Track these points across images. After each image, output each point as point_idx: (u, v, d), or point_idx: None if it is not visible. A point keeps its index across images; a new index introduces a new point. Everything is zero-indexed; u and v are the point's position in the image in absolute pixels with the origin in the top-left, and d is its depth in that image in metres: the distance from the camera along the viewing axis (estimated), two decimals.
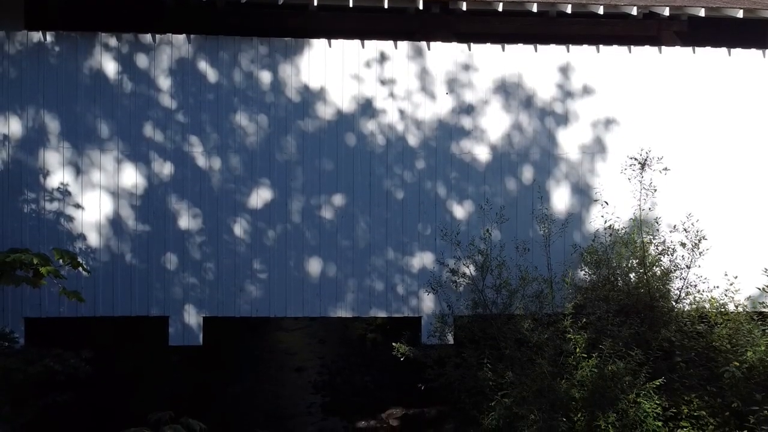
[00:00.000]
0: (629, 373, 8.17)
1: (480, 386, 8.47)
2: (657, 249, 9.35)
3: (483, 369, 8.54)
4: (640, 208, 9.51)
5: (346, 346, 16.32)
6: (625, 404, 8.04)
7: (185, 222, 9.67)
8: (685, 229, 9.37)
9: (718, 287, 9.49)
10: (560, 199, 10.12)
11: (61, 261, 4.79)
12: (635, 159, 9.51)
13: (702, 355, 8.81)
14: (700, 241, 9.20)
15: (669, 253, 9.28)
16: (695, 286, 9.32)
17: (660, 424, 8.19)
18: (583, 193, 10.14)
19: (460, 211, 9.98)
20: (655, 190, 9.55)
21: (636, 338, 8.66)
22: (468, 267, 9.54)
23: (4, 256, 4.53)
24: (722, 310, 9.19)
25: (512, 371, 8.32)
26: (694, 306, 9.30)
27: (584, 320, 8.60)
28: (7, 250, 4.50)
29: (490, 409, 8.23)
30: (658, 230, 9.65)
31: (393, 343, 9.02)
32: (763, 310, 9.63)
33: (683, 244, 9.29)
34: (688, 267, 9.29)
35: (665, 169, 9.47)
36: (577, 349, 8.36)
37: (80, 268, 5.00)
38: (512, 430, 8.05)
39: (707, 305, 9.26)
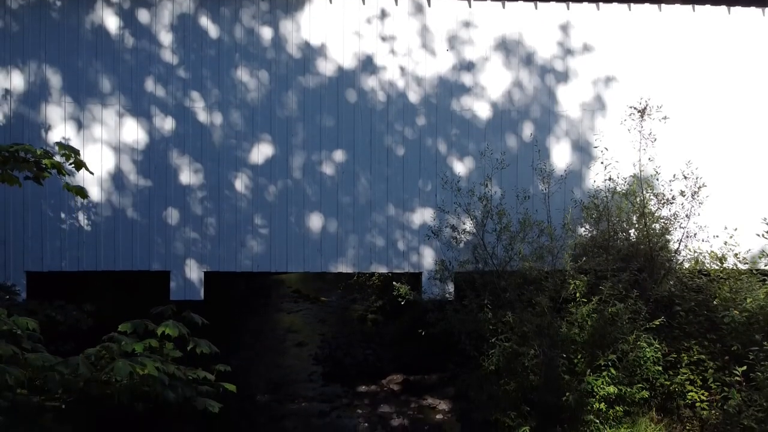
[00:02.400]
0: (628, 314, 8.17)
1: (480, 329, 8.47)
2: (657, 200, 9.34)
3: (483, 311, 8.54)
4: (639, 161, 9.51)
5: (347, 325, 16.34)
6: (625, 345, 8.04)
7: (186, 177, 9.69)
8: (684, 176, 9.37)
9: (717, 237, 9.49)
10: (560, 156, 10.13)
11: (63, 158, 4.79)
12: (634, 108, 9.53)
13: (702, 305, 8.81)
14: (699, 188, 9.18)
15: (669, 202, 9.27)
16: (695, 235, 9.33)
17: (660, 369, 8.19)
18: (583, 151, 10.16)
19: (460, 167, 9.99)
20: (655, 140, 9.54)
21: (636, 285, 8.66)
22: (469, 218, 9.53)
23: (8, 147, 4.56)
24: (722, 264, 9.18)
25: (512, 313, 8.31)
26: (693, 258, 9.31)
27: (584, 259, 8.60)
28: (9, 143, 4.53)
29: (491, 347, 8.22)
30: (657, 180, 9.65)
31: (394, 283, 9.01)
32: (763, 268, 9.62)
33: (683, 193, 9.28)
34: (688, 216, 9.29)
35: (665, 117, 9.48)
36: (578, 294, 8.36)
37: (84, 168, 5.01)
38: (512, 370, 8.05)
39: (707, 257, 9.26)
